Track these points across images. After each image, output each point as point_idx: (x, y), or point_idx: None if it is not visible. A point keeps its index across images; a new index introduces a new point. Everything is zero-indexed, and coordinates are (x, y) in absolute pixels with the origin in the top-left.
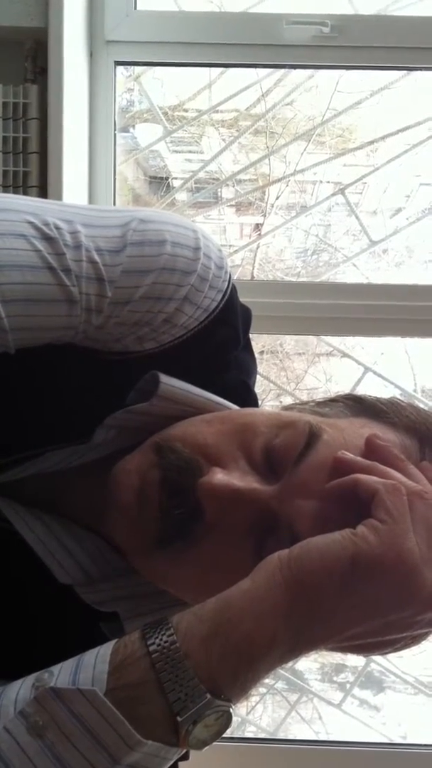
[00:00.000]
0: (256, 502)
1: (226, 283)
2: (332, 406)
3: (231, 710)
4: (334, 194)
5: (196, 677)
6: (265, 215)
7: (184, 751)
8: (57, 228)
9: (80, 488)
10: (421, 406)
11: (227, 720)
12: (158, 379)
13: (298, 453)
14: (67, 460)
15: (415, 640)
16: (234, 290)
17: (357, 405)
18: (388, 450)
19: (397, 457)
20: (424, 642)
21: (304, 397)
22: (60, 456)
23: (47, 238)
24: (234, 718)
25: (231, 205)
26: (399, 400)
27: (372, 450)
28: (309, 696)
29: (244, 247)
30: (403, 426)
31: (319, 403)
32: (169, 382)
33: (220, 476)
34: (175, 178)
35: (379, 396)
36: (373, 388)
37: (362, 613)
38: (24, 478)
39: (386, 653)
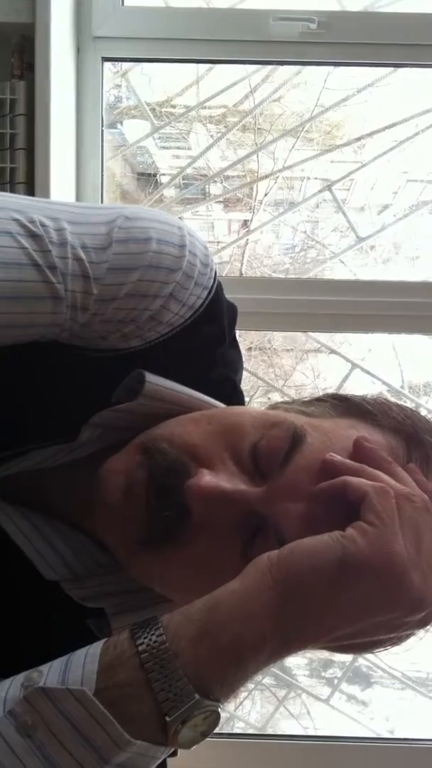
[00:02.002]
0: (243, 503)
1: (212, 281)
2: (318, 405)
3: (219, 710)
4: (321, 191)
5: (185, 677)
6: (253, 211)
7: (173, 750)
8: (43, 225)
9: (66, 486)
10: (408, 404)
11: (215, 720)
12: (144, 377)
13: (284, 455)
14: (52, 458)
15: (402, 639)
16: (219, 287)
17: (343, 405)
18: (376, 452)
19: (385, 460)
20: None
21: (293, 393)
22: (45, 454)
23: (33, 236)
24: (222, 714)
25: (219, 202)
26: (385, 399)
27: (360, 452)
28: (297, 691)
29: (232, 244)
30: (390, 427)
31: (304, 402)
32: (154, 381)
33: (207, 478)
34: (163, 174)
35: (365, 395)
36: (360, 385)
37: (350, 614)
38: (9, 475)
39: (372, 652)
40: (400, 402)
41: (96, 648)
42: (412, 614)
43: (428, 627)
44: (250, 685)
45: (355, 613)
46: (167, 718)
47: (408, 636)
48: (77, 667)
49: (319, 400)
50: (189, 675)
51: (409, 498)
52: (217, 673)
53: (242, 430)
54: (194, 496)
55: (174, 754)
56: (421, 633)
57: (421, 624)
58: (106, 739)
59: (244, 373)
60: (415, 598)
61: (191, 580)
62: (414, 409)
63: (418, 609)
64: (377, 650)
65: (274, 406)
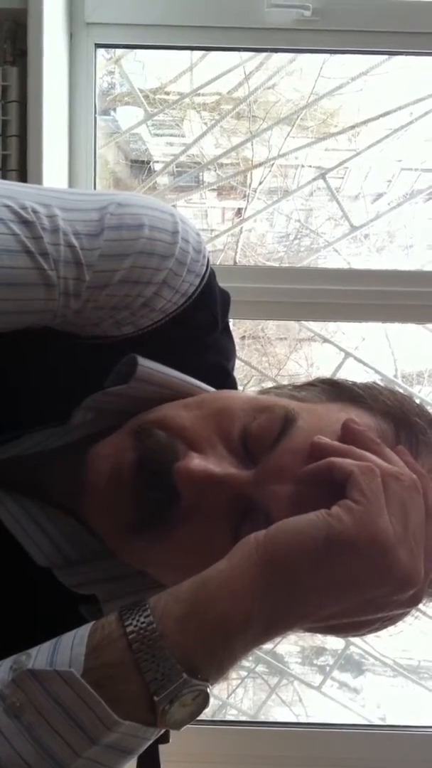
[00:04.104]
0: (231, 486)
1: (204, 267)
2: (309, 390)
3: (208, 690)
4: (315, 179)
5: (173, 657)
6: (247, 200)
7: (163, 731)
8: (34, 212)
9: (59, 471)
10: (399, 390)
11: (204, 700)
12: (136, 361)
13: (274, 438)
14: (44, 442)
15: (392, 620)
16: (212, 274)
17: (334, 389)
18: (364, 434)
19: (373, 441)
20: (400, 623)
21: (286, 383)
22: (38, 438)
23: (24, 222)
24: (215, 701)
25: (213, 190)
26: (376, 384)
27: (348, 434)
28: (289, 679)
29: (226, 232)
30: (379, 410)
31: (296, 387)
32: (147, 365)
33: (196, 461)
34: (157, 162)
35: (356, 380)
36: (353, 374)
37: (337, 592)
38: (3, 461)
39: (363, 634)
40: (391, 387)
41: (84, 630)
42: (399, 592)
43: (418, 606)
44: (243, 673)
45: (341, 591)
46: (155, 698)
47: (399, 617)
48: (65, 649)
49: (310, 384)
50: (176, 654)
51: (397, 476)
52: (204, 652)
53: (232, 413)
54: (183, 478)
55: (166, 740)
56: (410, 619)
57: (411, 603)
58: (94, 719)
59: (238, 362)
60: (402, 575)
61: (181, 563)
62: (405, 394)
63: (406, 586)
64: (369, 631)
65: (266, 391)
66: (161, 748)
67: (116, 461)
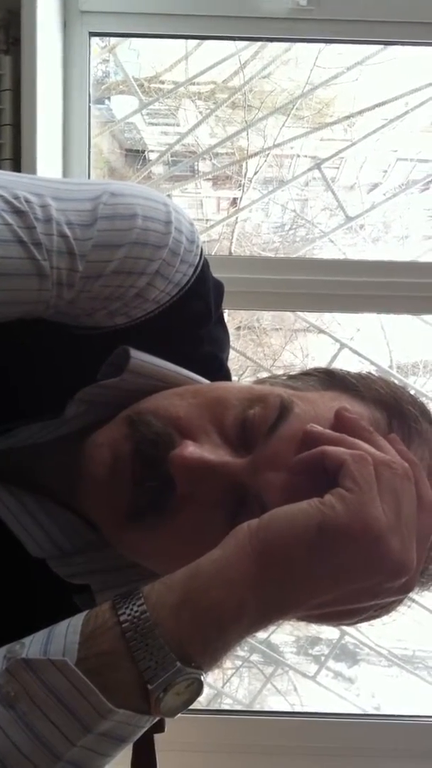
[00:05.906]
0: (227, 474)
1: (198, 258)
2: (304, 379)
3: (202, 678)
4: (310, 169)
5: (166, 646)
6: (242, 189)
7: (157, 719)
8: (27, 201)
9: (53, 463)
10: (393, 380)
11: (198, 688)
12: (129, 353)
13: (270, 426)
14: (38, 434)
15: (385, 609)
16: (206, 264)
17: (328, 378)
18: (356, 422)
19: (365, 429)
20: (393, 612)
21: (280, 373)
22: (31, 431)
23: (17, 212)
24: (210, 691)
25: (208, 179)
26: (370, 373)
27: (341, 422)
28: (284, 668)
29: (221, 222)
30: (372, 399)
31: (291, 377)
32: (139, 357)
33: (191, 449)
34: (152, 151)
35: (350, 370)
36: (349, 365)
37: (330, 580)
38: None
39: (356, 623)
40: (385, 377)
41: (78, 619)
42: (392, 580)
43: (410, 594)
44: (238, 662)
45: (334, 579)
46: (149, 686)
47: (392, 605)
48: (59, 638)
49: (305, 374)
50: (170, 643)
51: (389, 465)
52: (197, 640)
53: (227, 402)
54: (178, 466)
55: (161, 729)
56: (404, 609)
57: (403, 590)
58: (88, 708)
59: (233, 353)
60: (394, 563)
61: (177, 552)
62: (398, 383)
63: (398, 574)
64: (362, 619)
65: (261, 381)
66: (156, 737)
67: (113, 450)
